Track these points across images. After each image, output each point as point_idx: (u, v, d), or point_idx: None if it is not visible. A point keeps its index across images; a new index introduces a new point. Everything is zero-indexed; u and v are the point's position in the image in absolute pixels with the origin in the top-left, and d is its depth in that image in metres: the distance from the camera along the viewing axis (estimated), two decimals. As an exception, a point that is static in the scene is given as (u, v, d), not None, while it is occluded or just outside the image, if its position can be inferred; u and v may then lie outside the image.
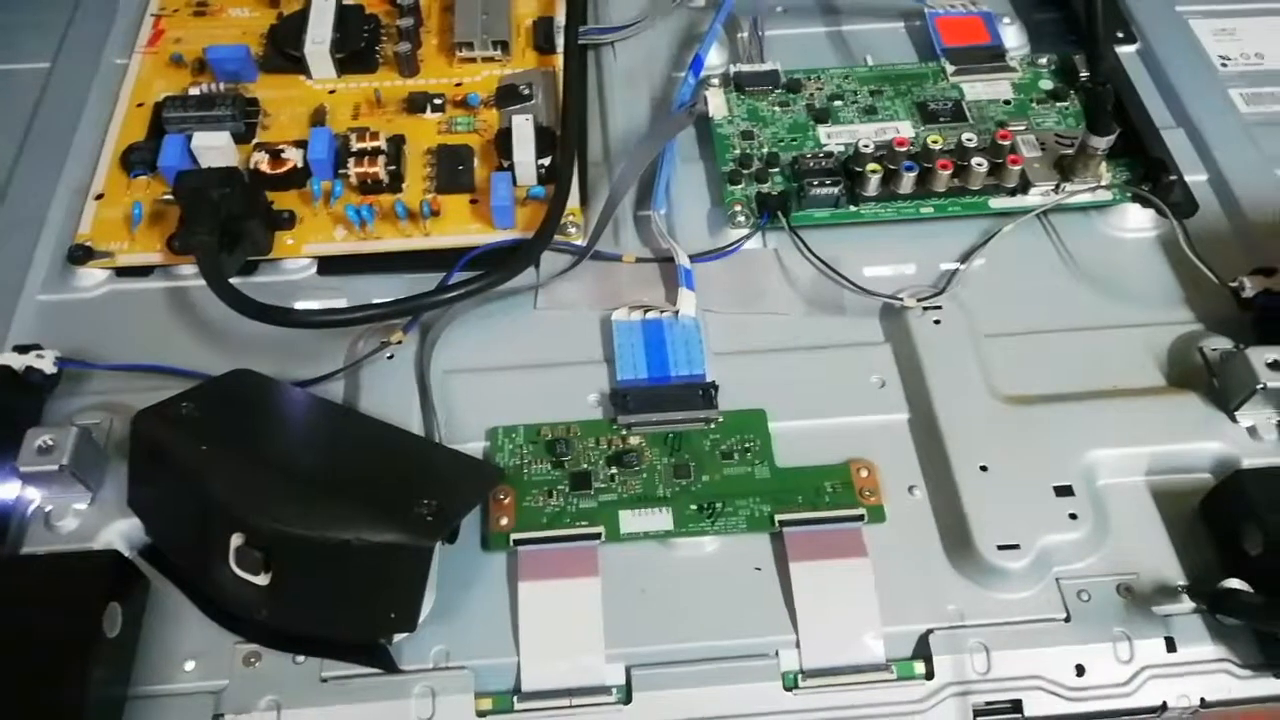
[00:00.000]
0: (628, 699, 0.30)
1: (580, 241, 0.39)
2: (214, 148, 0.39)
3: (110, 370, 0.35)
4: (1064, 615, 0.31)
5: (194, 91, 0.42)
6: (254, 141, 0.41)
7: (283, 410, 0.33)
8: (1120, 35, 0.46)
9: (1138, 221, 0.40)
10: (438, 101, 0.43)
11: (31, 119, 0.43)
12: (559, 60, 0.44)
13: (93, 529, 0.32)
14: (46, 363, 0.34)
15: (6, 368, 0.33)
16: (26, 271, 0.38)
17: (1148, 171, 0.40)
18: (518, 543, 0.32)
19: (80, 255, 0.38)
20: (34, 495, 0.32)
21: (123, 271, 0.39)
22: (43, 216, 0.40)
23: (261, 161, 0.40)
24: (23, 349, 0.34)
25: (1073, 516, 0.32)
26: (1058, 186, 0.39)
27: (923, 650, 0.30)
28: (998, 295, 0.38)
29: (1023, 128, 0.42)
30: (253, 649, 0.30)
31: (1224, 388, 0.34)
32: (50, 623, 0.28)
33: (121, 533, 0.32)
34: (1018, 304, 0.38)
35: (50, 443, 0.31)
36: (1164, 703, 0.30)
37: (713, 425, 0.34)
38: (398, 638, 0.30)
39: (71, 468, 0.31)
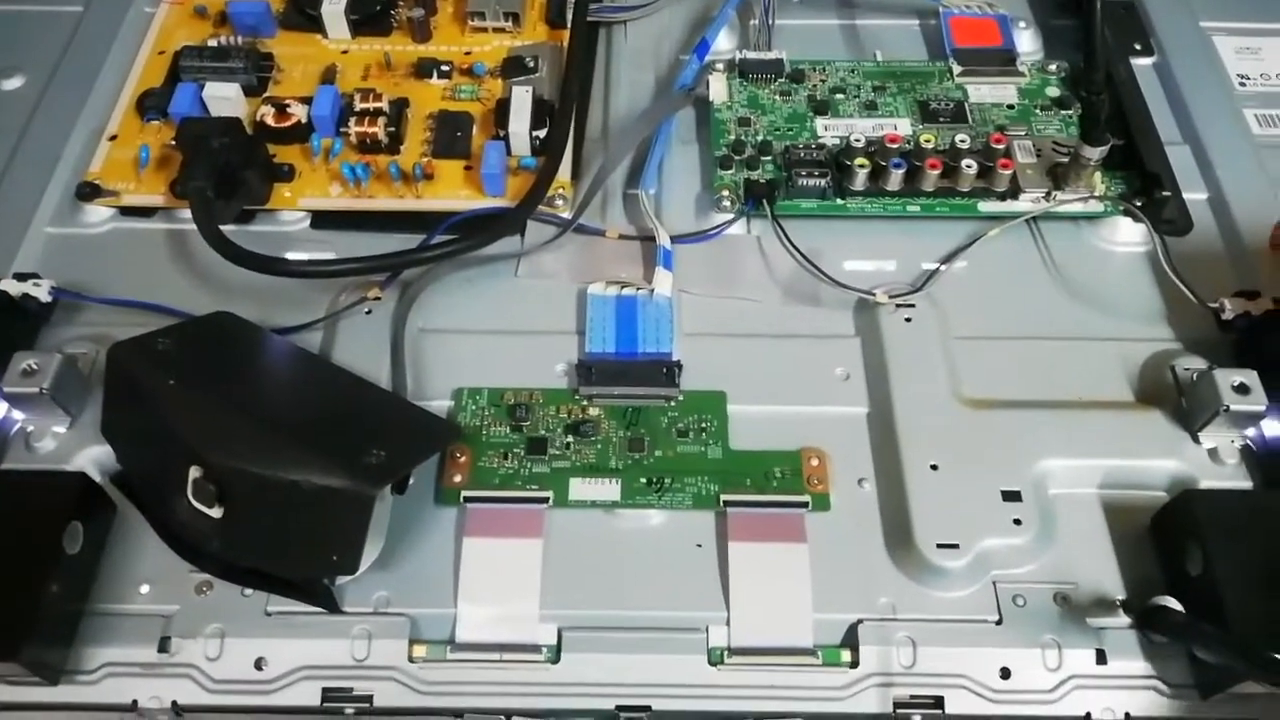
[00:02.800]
0: (556, 659, 0.30)
1: (567, 214, 0.40)
2: (224, 98, 0.41)
3: (103, 304, 0.37)
4: (996, 618, 0.31)
5: (211, 43, 0.43)
6: (264, 95, 0.42)
7: (256, 354, 0.34)
8: (1138, 47, 0.46)
9: (1128, 235, 0.40)
10: (445, 68, 0.43)
11: (60, 59, 0.45)
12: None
13: (68, 452, 0.33)
14: (42, 291, 0.36)
15: (3, 293, 0.35)
16: (37, 204, 0.40)
17: (1143, 185, 0.40)
18: (468, 500, 0.33)
19: (88, 192, 0.40)
20: (18, 416, 0.34)
21: (127, 211, 0.40)
22: (58, 152, 0.41)
23: (267, 114, 0.41)
24: (22, 277, 0.36)
25: (1017, 522, 0.32)
26: (1048, 194, 0.39)
27: (851, 639, 0.31)
28: (975, 298, 0.38)
29: (1022, 133, 0.41)
30: (205, 579, 0.31)
31: (1189, 408, 0.34)
32: (14, 534, 0.29)
33: (94, 459, 0.33)
34: (995, 309, 0.38)
35: (35, 366, 0.33)
36: (1088, 714, 0.30)
37: (672, 403, 0.35)
38: (341, 580, 0.31)
39: (52, 392, 0.32)
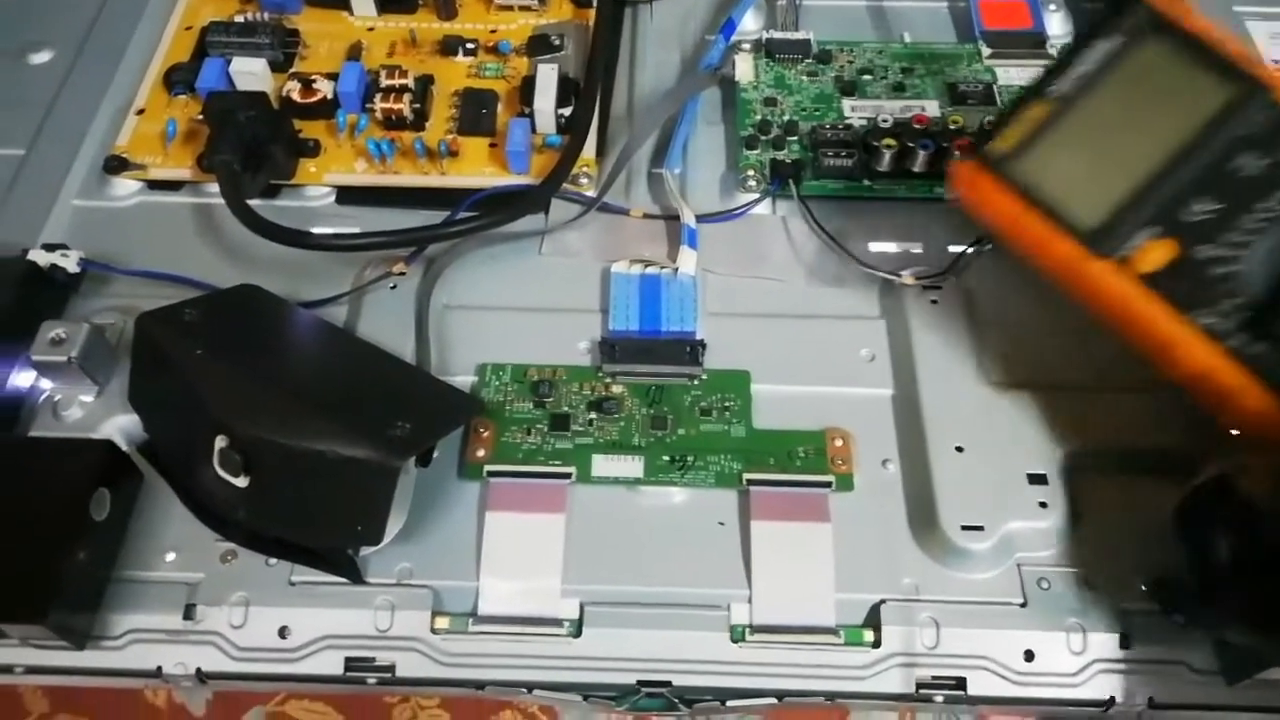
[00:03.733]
0: (578, 633, 0.31)
1: (592, 192, 0.40)
2: (250, 73, 0.41)
3: (130, 275, 0.37)
4: (1020, 600, 0.31)
5: (238, 19, 0.43)
6: (290, 71, 0.43)
7: (281, 326, 0.34)
8: (1170, 31, 0.45)
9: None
10: (470, 46, 0.43)
11: (88, 34, 0.45)
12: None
13: (95, 421, 0.34)
14: (70, 262, 0.36)
15: (33, 263, 0.35)
16: (65, 176, 0.40)
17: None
18: (491, 474, 0.33)
19: (115, 165, 0.40)
20: (47, 385, 0.34)
21: (154, 184, 0.40)
22: (86, 126, 0.42)
23: (293, 90, 0.41)
24: (50, 247, 0.36)
25: (1043, 505, 0.32)
26: (1078, 178, 0.39)
27: (873, 619, 0.31)
28: (1004, 282, 0.37)
29: (1052, 116, 0.41)
30: (230, 548, 0.32)
31: (1219, 392, 0.33)
32: (43, 500, 0.30)
33: (121, 427, 0.34)
34: (1024, 293, 0.37)
35: (63, 336, 0.33)
36: (1111, 697, 0.30)
37: (695, 382, 0.35)
38: (365, 551, 0.31)
39: (80, 361, 0.33)
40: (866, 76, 0.43)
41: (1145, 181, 0.29)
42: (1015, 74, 0.43)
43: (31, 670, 0.30)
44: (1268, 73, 0.29)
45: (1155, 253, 0.29)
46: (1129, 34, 0.30)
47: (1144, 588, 0.31)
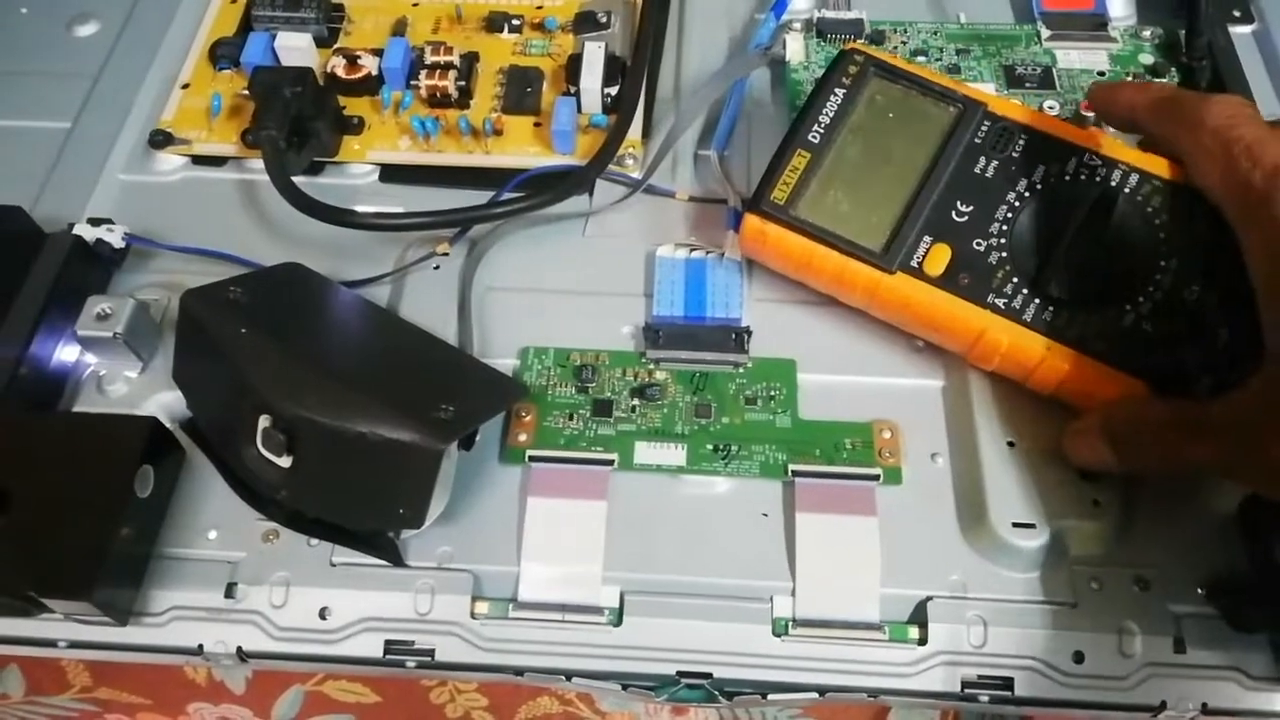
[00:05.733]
0: (619, 621, 0.30)
1: (637, 174, 0.39)
2: (295, 48, 0.41)
3: (174, 251, 0.37)
4: (1071, 601, 0.30)
5: (284, -8, 0.43)
6: (335, 46, 0.42)
7: (324, 305, 0.34)
8: (1237, 14, 0.43)
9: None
10: (516, 22, 0.43)
11: (133, 6, 0.45)
12: (641, -11, 0.43)
13: (139, 397, 0.34)
14: (115, 237, 0.36)
15: (79, 237, 0.35)
16: (110, 150, 0.40)
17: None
18: (533, 459, 0.32)
19: (160, 140, 0.40)
20: (91, 360, 0.34)
21: (198, 160, 0.40)
22: (132, 100, 0.41)
23: (338, 66, 0.40)
24: (96, 222, 0.36)
25: (1096, 503, 0.31)
26: (1139, 166, 0.38)
27: (919, 616, 0.30)
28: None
29: (1113, 101, 0.40)
30: (272, 527, 0.32)
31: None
32: (87, 477, 0.30)
33: (164, 404, 0.34)
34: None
35: (108, 311, 0.33)
36: (1163, 702, 0.29)
37: (740, 370, 0.34)
38: (406, 533, 0.31)
39: (125, 337, 0.33)
40: (921, 58, 0.42)
41: (910, 198, 0.33)
42: (1076, 57, 0.41)
43: (74, 645, 0.31)
44: (976, 92, 0.34)
45: (936, 256, 0.32)
46: (855, 79, 0.34)
47: (1201, 590, 0.30)
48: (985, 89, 0.40)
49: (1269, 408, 0.27)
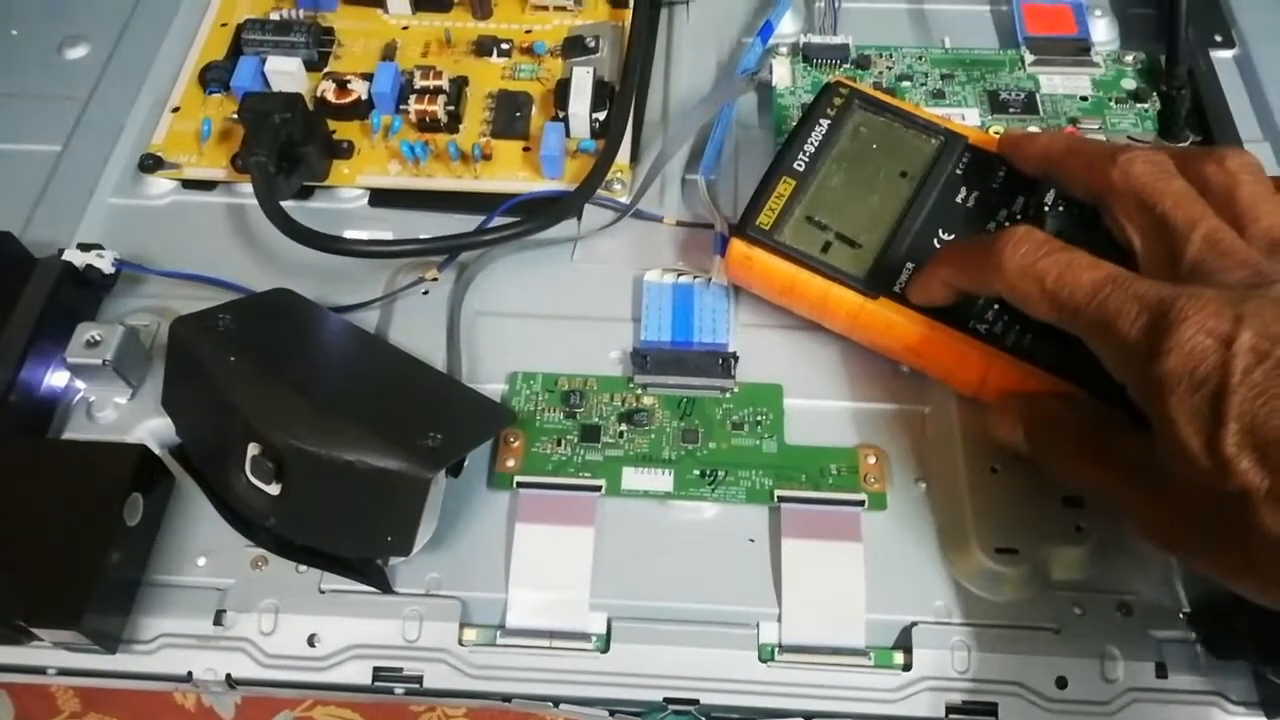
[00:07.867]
0: (606, 648, 0.30)
1: (625, 199, 0.39)
2: (285, 73, 0.41)
3: (164, 276, 0.37)
4: (1055, 626, 0.30)
5: (274, 16, 0.43)
6: (324, 70, 0.42)
7: (314, 332, 0.34)
8: (1219, 39, 0.44)
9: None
10: (505, 47, 0.43)
11: (123, 30, 0.45)
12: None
13: (129, 424, 0.34)
14: (105, 262, 0.36)
15: (69, 263, 0.35)
16: (100, 174, 0.40)
17: (1221, 185, 0.38)
18: (521, 485, 0.32)
19: (150, 164, 0.40)
20: (81, 386, 0.34)
21: (188, 184, 0.40)
22: (121, 123, 0.42)
23: (328, 90, 0.41)
24: (86, 247, 0.36)
25: (1079, 529, 0.31)
26: (1121, 191, 0.38)
27: (904, 641, 0.30)
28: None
29: (1096, 126, 0.40)
30: (261, 554, 0.32)
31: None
32: (76, 504, 0.30)
33: (154, 430, 0.34)
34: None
35: (98, 338, 0.33)
36: (1145, 727, 0.29)
37: (727, 395, 0.34)
38: (394, 560, 0.31)
39: (114, 364, 0.33)
40: (905, 83, 0.42)
41: (893, 226, 0.33)
42: (1059, 82, 0.42)
43: (63, 672, 0.31)
44: (959, 126, 0.35)
45: None
46: (840, 111, 0.35)
47: (1182, 616, 0.31)
48: (969, 114, 0.41)
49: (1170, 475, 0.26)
